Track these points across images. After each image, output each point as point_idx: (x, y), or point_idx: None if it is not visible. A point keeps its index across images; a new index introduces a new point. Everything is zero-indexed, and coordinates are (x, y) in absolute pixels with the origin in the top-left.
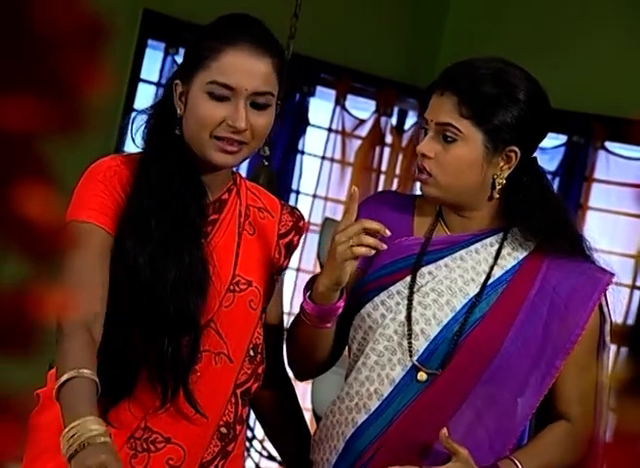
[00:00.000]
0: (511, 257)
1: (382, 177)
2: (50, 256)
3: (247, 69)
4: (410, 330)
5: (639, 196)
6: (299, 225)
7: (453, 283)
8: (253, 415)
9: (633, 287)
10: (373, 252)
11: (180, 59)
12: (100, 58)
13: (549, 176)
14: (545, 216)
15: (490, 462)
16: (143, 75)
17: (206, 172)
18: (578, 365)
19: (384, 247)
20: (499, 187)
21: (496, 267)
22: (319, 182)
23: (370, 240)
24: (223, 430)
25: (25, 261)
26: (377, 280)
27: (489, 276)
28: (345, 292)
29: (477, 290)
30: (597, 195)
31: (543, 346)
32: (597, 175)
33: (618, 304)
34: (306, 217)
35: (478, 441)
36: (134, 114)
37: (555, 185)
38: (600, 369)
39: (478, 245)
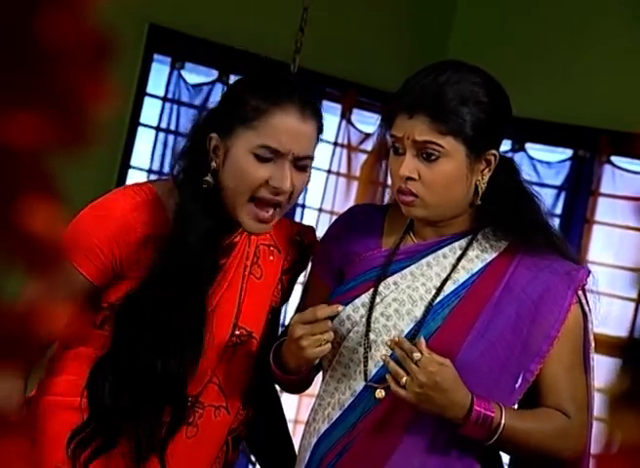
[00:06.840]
0: (479, 260)
1: (388, 191)
2: (54, 272)
3: (295, 133)
4: (368, 342)
5: (638, 208)
6: (306, 254)
7: (414, 291)
8: None
9: (639, 301)
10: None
11: (185, 74)
12: (106, 73)
13: (555, 191)
14: (520, 215)
15: (457, 465)
16: (150, 90)
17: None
18: (562, 365)
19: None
20: (482, 192)
21: (461, 270)
22: (325, 196)
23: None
24: None
25: (30, 277)
26: (342, 294)
27: (446, 280)
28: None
29: (439, 298)
30: (603, 209)
31: (512, 349)
32: (603, 189)
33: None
34: None
35: (446, 443)
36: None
37: (561, 199)
38: (588, 371)
39: (446, 249)
